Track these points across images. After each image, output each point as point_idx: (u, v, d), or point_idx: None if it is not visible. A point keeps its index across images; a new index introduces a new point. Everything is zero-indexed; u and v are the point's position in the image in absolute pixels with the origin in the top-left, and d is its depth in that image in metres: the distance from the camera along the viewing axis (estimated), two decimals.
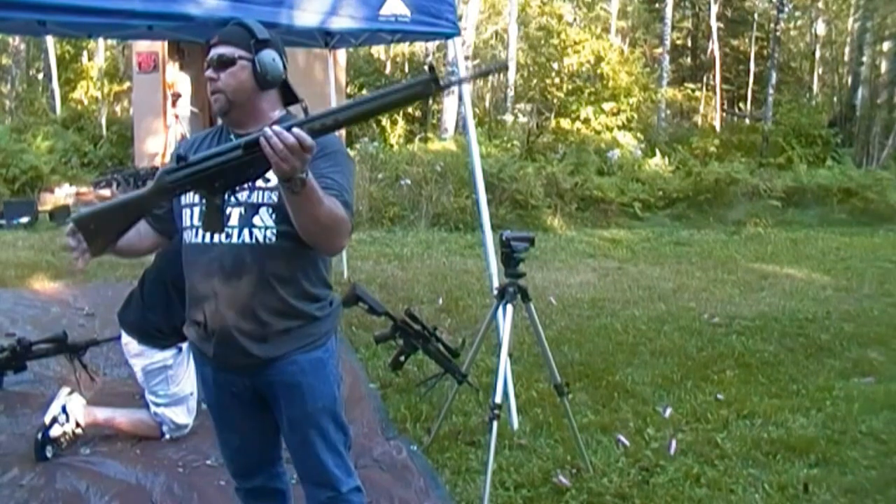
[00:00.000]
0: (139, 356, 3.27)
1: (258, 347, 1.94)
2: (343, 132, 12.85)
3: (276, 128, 1.57)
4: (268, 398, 2.04)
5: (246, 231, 1.88)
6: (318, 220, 1.74)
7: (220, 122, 2.05)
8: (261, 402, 2.06)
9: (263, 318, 1.92)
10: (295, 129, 1.56)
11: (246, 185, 1.84)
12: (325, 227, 1.77)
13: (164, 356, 3.26)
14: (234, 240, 1.88)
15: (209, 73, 1.91)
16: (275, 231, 1.88)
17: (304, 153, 1.57)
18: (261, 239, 1.88)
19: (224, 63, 1.90)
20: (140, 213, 1.89)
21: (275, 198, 1.86)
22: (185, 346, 3.23)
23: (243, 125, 1.95)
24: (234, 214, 1.88)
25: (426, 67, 1.51)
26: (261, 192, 1.88)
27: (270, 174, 1.85)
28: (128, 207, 1.86)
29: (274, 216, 1.87)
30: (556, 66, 15.74)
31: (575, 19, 17.23)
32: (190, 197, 1.92)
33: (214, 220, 1.76)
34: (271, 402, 2.05)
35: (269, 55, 1.92)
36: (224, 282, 1.89)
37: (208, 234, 1.88)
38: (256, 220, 1.88)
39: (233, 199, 1.87)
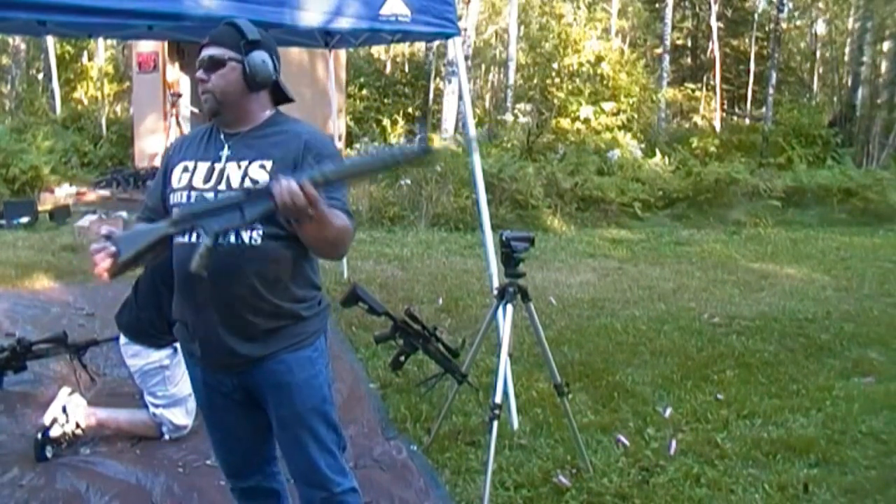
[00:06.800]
0: (136, 356, 3.27)
1: (244, 346, 1.94)
2: (343, 132, 12.86)
3: (292, 186, 1.63)
4: (258, 398, 2.04)
5: (232, 232, 1.87)
6: (326, 239, 1.79)
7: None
8: (252, 401, 2.05)
9: (249, 318, 1.92)
10: (308, 190, 1.62)
11: (237, 185, 1.90)
12: (332, 243, 1.83)
13: (160, 356, 3.26)
14: (220, 240, 1.87)
15: (199, 73, 1.94)
16: (261, 233, 1.88)
17: (313, 209, 1.64)
18: (247, 240, 1.88)
19: (214, 64, 1.92)
20: (166, 241, 1.92)
21: None
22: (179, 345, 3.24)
23: (233, 125, 1.97)
24: None
25: (419, 141, 1.60)
26: None
27: (258, 175, 1.89)
28: (157, 243, 1.90)
29: None
30: (556, 65, 15.74)
31: (575, 19, 17.22)
32: (178, 196, 1.94)
33: (206, 262, 1.79)
34: (261, 402, 2.05)
35: (258, 56, 1.93)
36: (210, 282, 1.88)
37: (195, 235, 1.88)
38: None
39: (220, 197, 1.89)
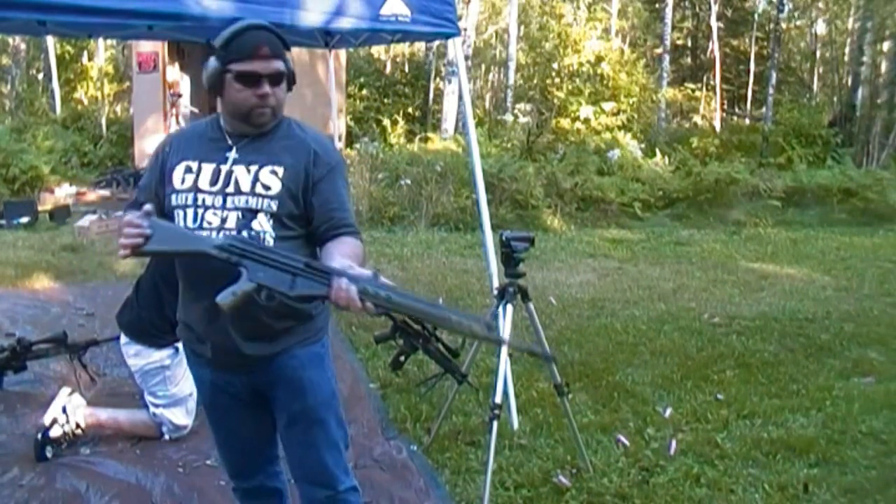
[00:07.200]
0: (136, 356, 3.27)
1: (255, 346, 1.94)
2: (343, 132, 12.85)
3: (352, 296, 1.64)
4: (268, 396, 2.04)
5: (244, 234, 1.86)
6: None
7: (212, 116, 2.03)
8: (258, 401, 2.05)
9: (262, 318, 1.91)
10: (367, 305, 1.64)
11: (247, 190, 1.87)
12: None
13: (161, 356, 3.26)
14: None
15: (265, 88, 1.85)
16: (273, 235, 1.87)
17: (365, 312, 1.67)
18: (259, 241, 1.87)
19: (281, 77, 1.88)
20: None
21: (274, 207, 1.87)
22: (181, 346, 3.24)
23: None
24: (232, 218, 1.87)
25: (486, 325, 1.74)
26: (260, 199, 1.87)
27: (271, 182, 1.87)
28: (190, 255, 1.83)
29: (272, 222, 1.87)
30: (556, 65, 15.74)
31: (575, 19, 17.21)
32: (182, 198, 1.90)
33: (237, 304, 1.74)
34: (271, 400, 2.04)
35: (290, 61, 1.93)
36: (220, 284, 1.88)
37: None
38: (254, 225, 1.87)
39: (230, 201, 1.87)
